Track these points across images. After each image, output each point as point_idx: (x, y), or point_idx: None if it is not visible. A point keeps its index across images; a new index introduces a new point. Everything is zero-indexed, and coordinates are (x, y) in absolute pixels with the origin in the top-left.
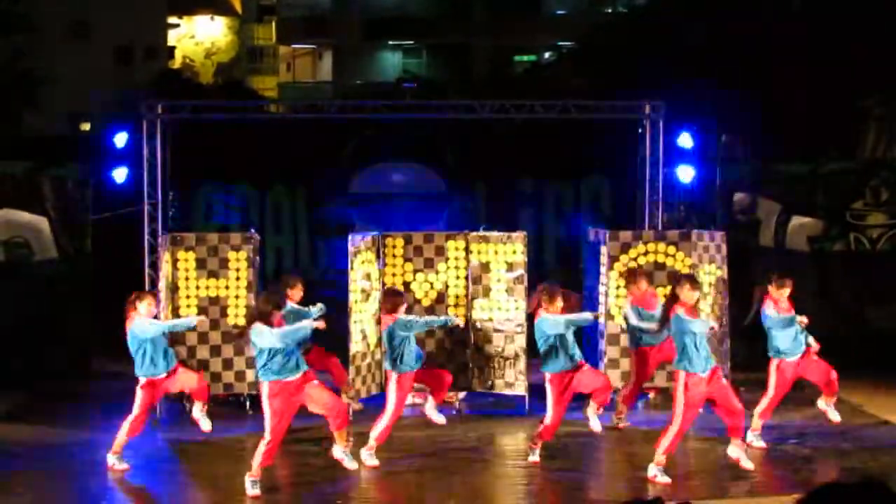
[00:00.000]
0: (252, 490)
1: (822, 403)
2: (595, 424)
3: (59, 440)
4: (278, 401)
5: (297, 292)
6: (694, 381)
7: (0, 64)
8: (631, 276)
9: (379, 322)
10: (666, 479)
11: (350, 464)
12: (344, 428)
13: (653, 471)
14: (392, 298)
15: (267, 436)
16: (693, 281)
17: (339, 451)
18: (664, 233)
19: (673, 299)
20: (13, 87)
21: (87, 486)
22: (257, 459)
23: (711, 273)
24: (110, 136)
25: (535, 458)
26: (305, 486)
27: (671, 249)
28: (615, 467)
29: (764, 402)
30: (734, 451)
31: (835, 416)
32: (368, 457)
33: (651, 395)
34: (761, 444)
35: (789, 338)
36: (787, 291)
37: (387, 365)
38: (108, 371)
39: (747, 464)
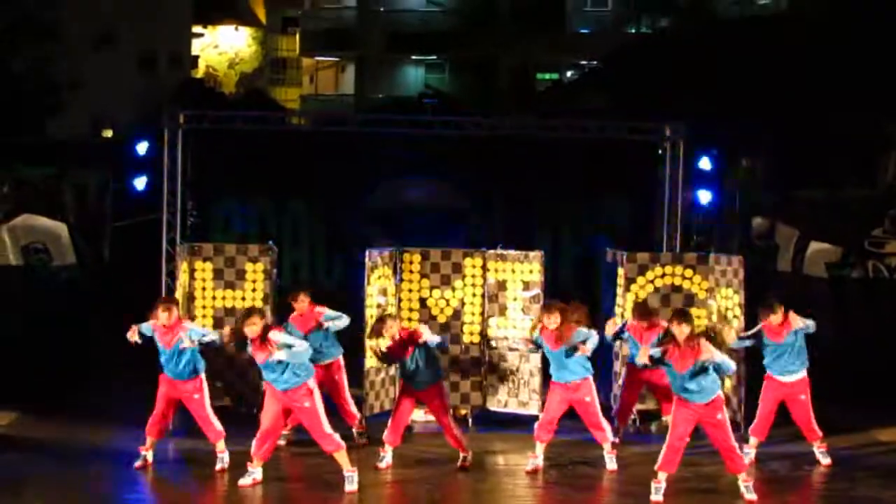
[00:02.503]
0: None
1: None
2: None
3: (74, 445)
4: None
5: (299, 304)
6: (678, 402)
7: (25, 71)
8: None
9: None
10: (659, 498)
11: (349, 486)
12: (339, 451)
13: (652, 489)
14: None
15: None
16: (681, 316)
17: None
18: (682, 255)
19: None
20: (38, 94)
21: (100, 492)
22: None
23: (728, 297)
24: (132, 143)
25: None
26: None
27: (688, 272)
28: (623, 486)
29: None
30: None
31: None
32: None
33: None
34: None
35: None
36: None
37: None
38: (123, 377)
39: (750, 495)
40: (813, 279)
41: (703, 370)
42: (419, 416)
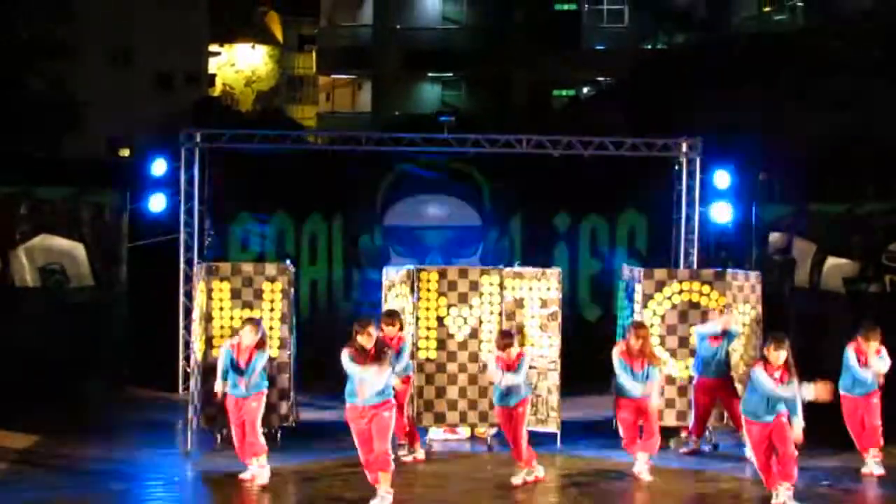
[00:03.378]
0: None
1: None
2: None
3: (91, 466)
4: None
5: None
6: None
7: (42, 89)
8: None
9: (412, 356)
10: None
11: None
12: (384, 471)
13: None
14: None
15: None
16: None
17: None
18: (699, 271)
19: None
20: (55, 112)
21: None
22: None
23: (746, 313)
24: (149, 163)
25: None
26: None
27: (706, 288)
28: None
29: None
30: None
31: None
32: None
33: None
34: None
35: None
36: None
37: None
38: (141, 397)
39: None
40: (830, 294)
41: None
42: (438, 434)
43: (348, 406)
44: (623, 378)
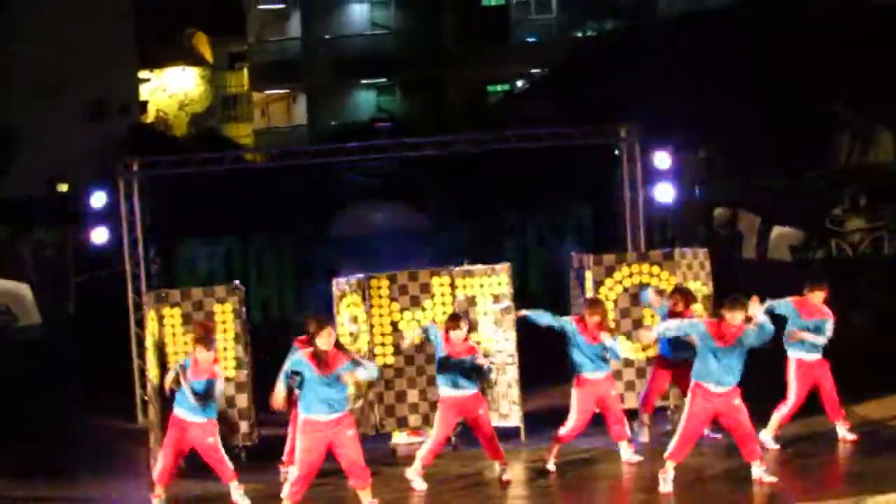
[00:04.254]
0: None
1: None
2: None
3: (47, 501)
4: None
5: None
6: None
7: None
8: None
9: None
10: (668, 489)
11: None
12: (366, 487)
13: (660, 479)
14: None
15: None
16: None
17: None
18: (647, 254)
19: None
20: None
21: None
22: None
23: (697, 290)
24: (88, 196)
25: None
26: None
27: (655, 269)
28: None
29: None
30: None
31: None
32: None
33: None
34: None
35: None
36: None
37: None
38: (99, 432)
39: (769, 478)
40: (778, 263)
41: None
42: (402, 438)
43: (306, 418)
44: (575, 353)
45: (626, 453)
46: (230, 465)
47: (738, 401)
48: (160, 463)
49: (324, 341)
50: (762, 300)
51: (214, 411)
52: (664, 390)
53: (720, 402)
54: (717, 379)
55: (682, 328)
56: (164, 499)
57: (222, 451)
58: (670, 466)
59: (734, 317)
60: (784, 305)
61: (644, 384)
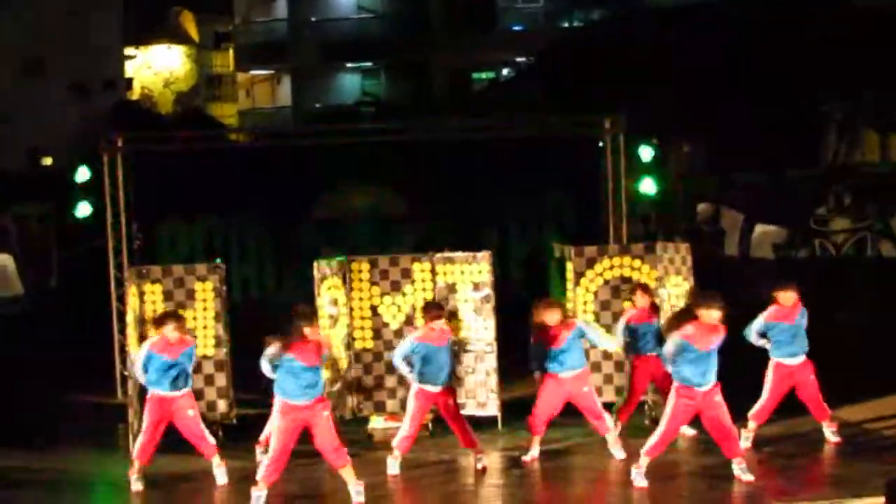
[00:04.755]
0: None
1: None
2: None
3: (37, 477)
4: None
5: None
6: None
7: None
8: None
9: (348, 346)
10: (643, 483)
11: (357, 498)
12: (347, 466)
13: (633, 473)
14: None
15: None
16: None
17: (351, 487)
18: (629, 247)
19: None
20: None
21: None
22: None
23: (678, 285)
24: (71, 171)
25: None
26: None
27: (636, 263)
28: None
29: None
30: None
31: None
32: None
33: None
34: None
35: None
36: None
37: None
38: (78, 406)
39: (747, 476)
40: (761, 261)
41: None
42: (379, 423)
43: (285, 402)
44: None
45: (613, 447)
46: (211, 440)
47: (718, 397)
48: (140, 439)
49: (312, 332)
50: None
51: (190, 383)
52: (643, 394)
53: (702, 400)
54: (699, 382)
55: (676, 350)
56: (141, 476)
57: (202, 424)
58: (644, 462)
59: (710, 315)
60: (763, 323)
61: (622, 377)
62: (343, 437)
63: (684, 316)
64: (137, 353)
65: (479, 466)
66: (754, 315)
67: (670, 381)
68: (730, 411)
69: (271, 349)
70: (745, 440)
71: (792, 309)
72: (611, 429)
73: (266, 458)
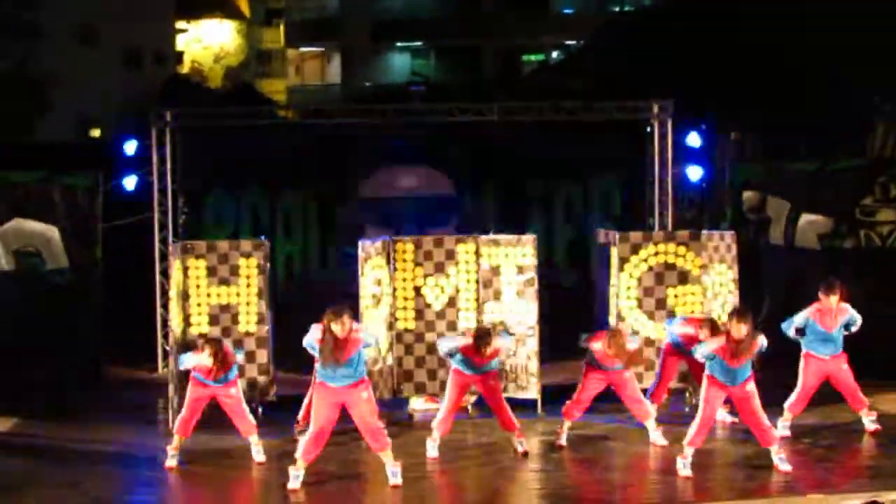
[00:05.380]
0: (293, 483)
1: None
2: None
3: (73, 447)
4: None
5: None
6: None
7: (9, 69)
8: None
9: (391, 327)
10: (687, 473)
11: (394, 479)
12: (385, 449)
13: (679, 463)
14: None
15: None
16: (740, 315)
17: (388, 468)
18: (674, 233)
19: None
20: (23, 92)
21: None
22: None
23: (722, 273)
24: (120, 143)
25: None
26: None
27: (681, 250)
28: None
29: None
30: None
31: (871, 425)
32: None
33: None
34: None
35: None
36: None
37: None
38: (119, 380)
39: (785, 466)
40: (806, 251)
41: None
42: (419, 404)
43: (322, 383)
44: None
45: (653, 434)
46: (251, 419)
47: (750, 385)
48: (182, 414)
49: (340, 329)
50: (789, 287)
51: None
52: (673, 378)
53: (734, 388)
54: (730, 381)
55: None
56: (178, 451)
57: (244, 403)
58: (690, 452)
59: (739, 328)
60: (802, 318)
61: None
62: (382, 418)
63: (717, 329)
64: (181, 359)
65: (520, 450)
66: (796, 308)
67: (702, 367)
68: (765, 401)
69: (312, 334)
70: (783, 429)
71: (833, 314)
72: (651, 414)
73: (304, 437)
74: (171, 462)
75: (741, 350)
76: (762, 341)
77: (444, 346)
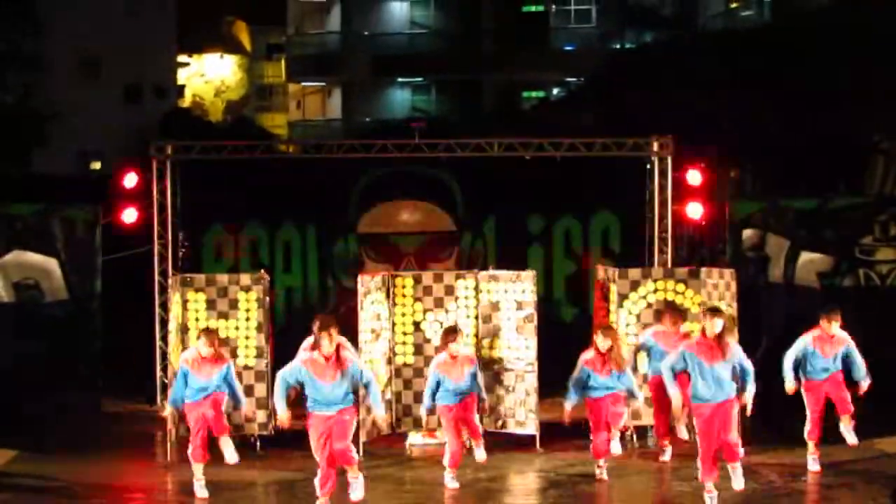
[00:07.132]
0: None
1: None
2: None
3: (72, 480)
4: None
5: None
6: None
7: (10, 102)
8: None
9: (389, 361)
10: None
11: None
12: (352, 465)
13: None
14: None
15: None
16: (713, 311)
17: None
18: (673, 270)
19: None
20: (23, 124)
21: None
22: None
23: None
24: (120, 176)
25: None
26: None
27: (680, 287)
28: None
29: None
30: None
31: (851, 439)
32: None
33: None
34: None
35: None
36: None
37: None
38: (119, 410)
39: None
40: (805, 289)
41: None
42: (417, 439)
43: (312, 414)
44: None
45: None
46: (226, 422)
47: (734, 410)
48: (192, 441)
49: (325, 345)
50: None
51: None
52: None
53: (718, 410)
54: (711, 397)
55: (676, 362)
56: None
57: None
58: (711, 486)
59: (713, 324)
60: (803, 346)
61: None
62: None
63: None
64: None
65: (471, 448)
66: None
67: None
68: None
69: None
70: (813, 463)
71: (833, 341)
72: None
73: (316, 476)
74: (202, 493)
75: (715, 349)
76: (737, 348)
77: (425, 404)
